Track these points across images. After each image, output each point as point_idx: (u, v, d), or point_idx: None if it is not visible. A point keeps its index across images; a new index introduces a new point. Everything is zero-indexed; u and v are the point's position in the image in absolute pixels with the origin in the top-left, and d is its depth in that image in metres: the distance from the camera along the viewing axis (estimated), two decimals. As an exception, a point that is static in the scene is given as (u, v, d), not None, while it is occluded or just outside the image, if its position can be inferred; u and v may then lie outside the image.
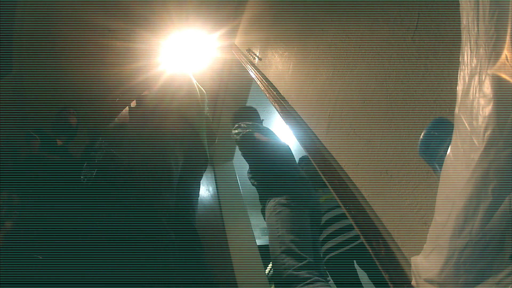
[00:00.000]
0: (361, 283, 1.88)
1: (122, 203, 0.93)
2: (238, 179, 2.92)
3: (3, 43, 2.05)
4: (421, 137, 0.56)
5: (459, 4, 0.49)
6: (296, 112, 1.27)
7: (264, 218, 1.66)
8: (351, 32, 1.01)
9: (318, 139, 1.08)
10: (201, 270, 1.01)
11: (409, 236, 0.67)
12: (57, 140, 1.87)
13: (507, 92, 0.39)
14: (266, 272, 2.28)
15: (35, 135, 1.68)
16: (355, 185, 0.86)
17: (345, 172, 0.91)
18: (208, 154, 1.49)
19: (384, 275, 0.69)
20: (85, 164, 1.45)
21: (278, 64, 1.58)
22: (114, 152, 1.51)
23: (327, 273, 1.82)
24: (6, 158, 1.84)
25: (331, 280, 1.82)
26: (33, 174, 1.57)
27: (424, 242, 0.50)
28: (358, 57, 0.95)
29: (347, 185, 0.88)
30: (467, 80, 0.45)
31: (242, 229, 2.42)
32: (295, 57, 1.41)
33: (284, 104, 1.37)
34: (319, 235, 1.89)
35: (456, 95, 0.47)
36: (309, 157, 1.11)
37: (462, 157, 0.43)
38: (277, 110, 1.42)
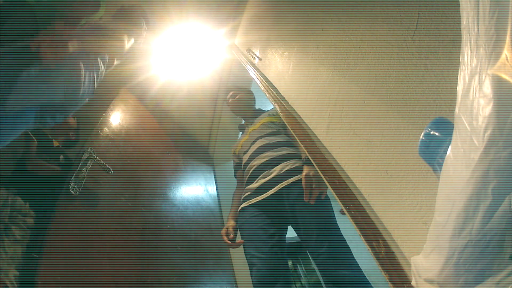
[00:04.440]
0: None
1: None
2: (238, 179, 2.92)
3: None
4: (421, 137, 0.56)
5: (459, 4, 0.49)
6: (296, 112, 1.27)
7: None
8: (351, 32, 1.01)
9: (318, 139, 1.08)
10: None
11: (409, 236, 0.67)
12: (54, 140, 1.87)
13: (507, 92, 0.39)
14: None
15: (33, 137, 1.68)
16: (355, 185, 0.86)
17: (345, 172, 0.91)
18: None
19: (384, 275, 0.69)
20: (73, 176, 1.46)
21: (278, 64, 1.58)
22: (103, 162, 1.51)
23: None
24: (6, 158, 1.84)
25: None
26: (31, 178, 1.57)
27: (424, 242, 0.50)
28: (358, 57, 0.95)
29: (347, 185, 0.88)
30: (467, 80, 0.45)
31: (242, 229, 2.41)
32: (295, 57, 1.41)
33: (284, 104, 1.37)
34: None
35: (456, 95, 0.47)
36: (309, 157, 1.11)
37: (462, 157, 0.42)
38: (277, 110, 1.42)
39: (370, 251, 0.74)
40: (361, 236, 0.78)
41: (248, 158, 1.58)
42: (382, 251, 0.71)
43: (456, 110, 0.46)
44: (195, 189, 2.44)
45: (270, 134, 1.60)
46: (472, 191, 0.40)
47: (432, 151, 0.54)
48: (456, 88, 0.48)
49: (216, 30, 2.37)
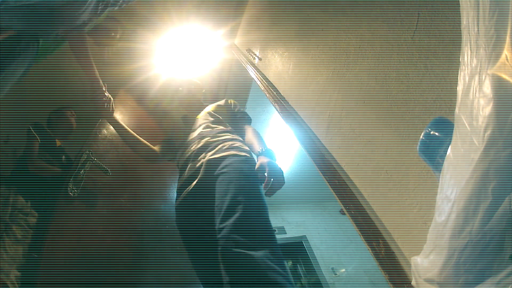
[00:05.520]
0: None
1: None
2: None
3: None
4: (421, 137, 0.56)
5: (459, 4, 0.49)
6: (296, 112, 1.27)
7: None
8: (351, 32, 1.01)
9: (318, 139, 1.08)
10: None
11: (409, 236, 0.67)
12: (57, 140, 1.86)
13: (507, 92, 0.39)
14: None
15: (36, 136, 1.67)
16: (355, 185, 0.86)
17: (345, 172, 0.91)
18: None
19: (384, 275, 0.69)
20: (71, 178, 1.45)
21: (278, 64, 1.58)
22: (102, 164, 1.50)
23: None
24: (6, 158, 1.84)
25: None
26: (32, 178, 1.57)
27: (424, 242, 0.50)
28: (358, 57, 0.95)
29: (347, 185, 0.88)
30: (467, 80, 0.45)
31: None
32: (295, 57, 1.41)
33: (284, 104, 1.37)
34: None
35: (456, 95, 0.47)
36: (309, 157, 1.10)
37: (462, 157, 0.42)
38: (277, 110, 1.42)
39: (370, 251, 0.74)
40: (361, 236, 0.78)
41: (186, 144, 1.39)
42: (382, 251, 0.71)
43: (456, 110, 0.46)
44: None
45: (214, 122, 1.43)
46: (472, 191, 0.40)
47: (432, 151, 0.54)
48: (456, 88, 0.48)
49: (216, 30, 2.37)
